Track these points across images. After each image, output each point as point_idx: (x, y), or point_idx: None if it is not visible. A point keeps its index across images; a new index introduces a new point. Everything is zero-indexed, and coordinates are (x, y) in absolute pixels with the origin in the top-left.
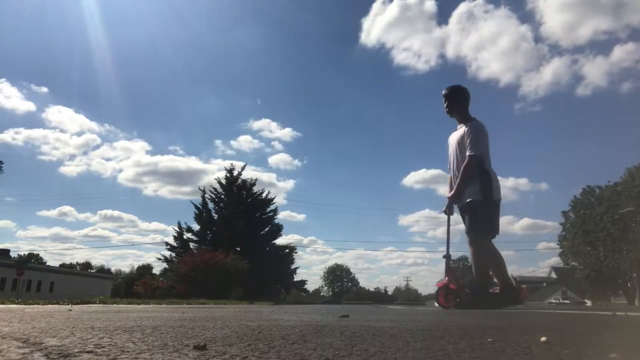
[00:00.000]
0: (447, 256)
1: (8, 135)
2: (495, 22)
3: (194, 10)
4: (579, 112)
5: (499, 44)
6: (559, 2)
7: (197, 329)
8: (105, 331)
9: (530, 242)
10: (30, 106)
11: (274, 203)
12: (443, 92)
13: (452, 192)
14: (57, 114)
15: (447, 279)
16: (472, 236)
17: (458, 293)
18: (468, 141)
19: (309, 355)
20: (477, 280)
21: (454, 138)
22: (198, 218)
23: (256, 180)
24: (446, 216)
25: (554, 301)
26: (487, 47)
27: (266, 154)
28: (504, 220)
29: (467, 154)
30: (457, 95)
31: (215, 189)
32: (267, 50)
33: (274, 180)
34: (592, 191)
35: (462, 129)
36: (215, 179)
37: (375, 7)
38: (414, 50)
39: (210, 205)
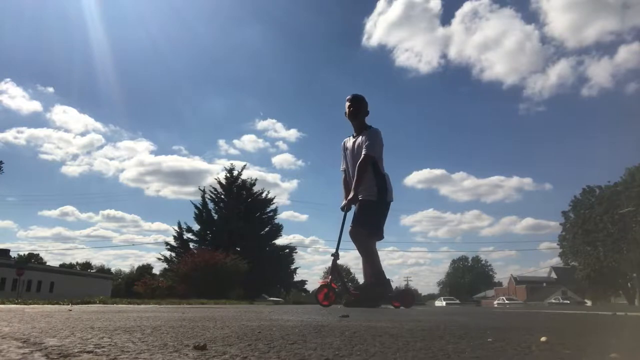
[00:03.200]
0: (335, 255)
1: (10, 135)
2: (499, 22)
3: (199, 11)
4: (583, 113)
5: (503, 44)
6: (563, 2)
7: (197, 329)
8: (105, 331)
9: (532, 242)
10: (35, 106)
11: (273, 203)
12: (349, 97)
13: (351, 193)
14: (62, 114)
15: (330, 277)
16: (362, 233)
17: (345, 293)
18: (366, 144)
19: (309, 355)
20: (373, 279)
21: (350, 143)
22: (198, 218)
23: (256, 180)
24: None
25: (554, 301)
26: (492, 47)
27: (270, 154)
28: (505, 221)
29: (364, 152)
30: (362, 102)
31: (215, 189)
32: (272, 51)
33: (278, 181)
34: (592, 191)
35: (360, 136)
36: (215, 179)
37: (380, 6)
38: (417, 50)
39: (210, 205)
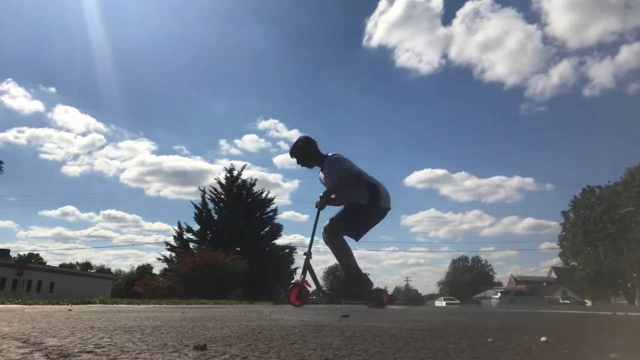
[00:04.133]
0: (307, 254)
1: (11, 134)
2: (501, 22)
3: (200, 11)
4: (585, 114)
5: (505, 44)
6: (565, 2)
7: (197, 329)
8: (105, 331)
9: (533, 242)
10: (37, 106)
11: (273, 203)
12: (289, 151)
13: (335, 197)
14: (64, 114)
15: (302, 277)
16: (335, 227)
17: (319, 293)
18: (336, 181)
19: (309, 355)
20: (351, 274)
21: (322, 176)
22: (198, 218)
23: (256, 180)
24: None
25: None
26: (493, 47)
27: (272, 154)
28: (506, 221)
29: (338, 176)
30: (300, 150)
31: (215, 189)
32: (273, 51)
33: (280, 181)
34: (592, 191)
35: (325, 168)
36: (215, 179)
37: (381, 5)
38: (418, 51)
39: (211, 205)
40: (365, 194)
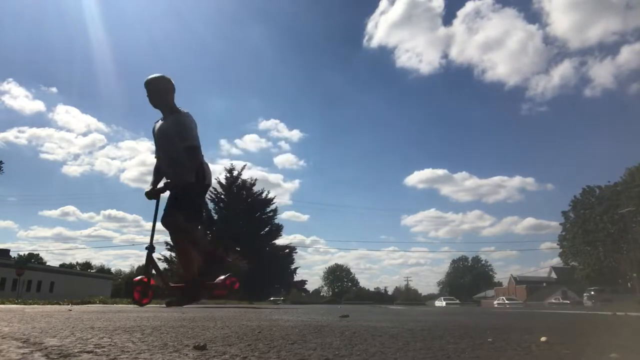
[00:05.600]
0: (149, 248)
1: (11, 134)
2: (501, 22)
3: (201, 12)
4: (586, 114)
5: (505, 44)
6: (566, 2)
7: (197, 329)
8: (105, 331)
9: (534, 242)
10: (39, 106)
11: (274, 203)
12: (145, 81)
13: (172, 181)
14: (65, 114)
15: (145, 273)
16: (180, 220)
17: (166, 290)
18: (185, 133)
19: (309, 355)
20: (190, 274)
21: (162, 127)
22: None
23: (256, 180)
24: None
25: (554, 301)
26: (494, 47)
27: (272, 154)
28: (507, 221)
29: (188, 144)
30: (160, 84)
31: (215, 189)
32: (275, 52)
33: (280, 181)
34: (592, 191)
35: (170, 119)
36: (215, 179)
37: (382, 5)
38: (418, 51)
39: (210, 205)
40: (193, 173)
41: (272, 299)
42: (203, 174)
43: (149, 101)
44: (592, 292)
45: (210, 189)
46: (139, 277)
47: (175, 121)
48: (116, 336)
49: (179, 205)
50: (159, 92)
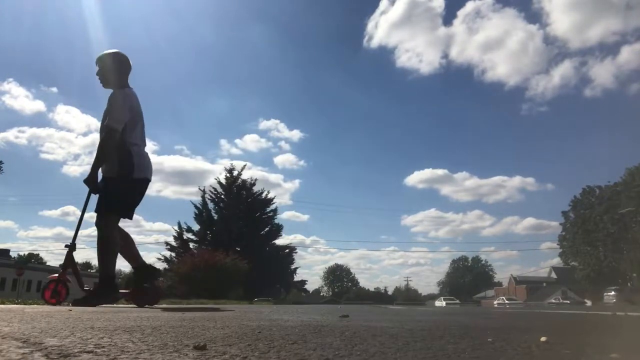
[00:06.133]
0: (70, 246)
1: (11, 134)
2: (502, 22)
3: (201, 11)
4: (586, 114)
5: (506, 44)
6: (566, 1)
7: (197, 329)
8: (105, 331)
9: (534, 242)
10: (39, 106)
11: (273, 203)
12: (98, 57)
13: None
14: (65, 114)
15: (63, 271)
16: (97, 217)
17: (80, 289)
18: (109, 115)
19: (309, 355)
20: (104, 272)
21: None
22: (198, 218)
23: (256, 180)
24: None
25: (554, 301)
26: (494, 47)
27: (272, 154)
28: (507, 221)
29: (106, 125)
30: (106, 61)
31: (215, 189)
32: (276, 52)
33: (281, 181)
34: (592, 191)
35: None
36: (216, 179)
37: (382, 5)
38: (419, 51)
39: (211, 205)
40: (115, 164)
41: (256, 299)
42: (129, 165)
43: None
44: (613, 292)
45: (210, 189)
46: (54, 276)
47: (109, 98)
48: (116, 336)
49: (98, 202)
50: (110, 70)
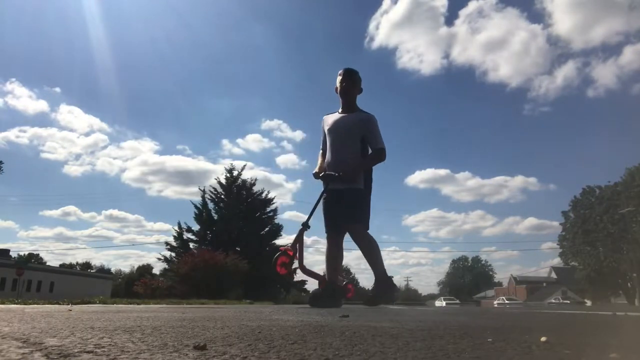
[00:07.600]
0: (304, 224)
1: (12, 134)
2: (504, 22)
3: (203, 12)
4: (589, 114)
5: (508, 45)
6: (568, 2)
7: (197, 329)
8: (105, 331)
9: (535, 242)
10: (42, 106)
11: (274, 203)
12: (342, 70)
13: (345, 173)
14: (67, 114)
15: (291, 245)
16: (359, 226)
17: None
18: (371, 133)
19: (309, 355)
20: (381, 273)
21: (333, 119)
22: (198, 218)
23: (256, 180)
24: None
25: (554, 301)
26: (496, 48)
27: (275, 154)
28: (509, 221)
29: (376, 147)
30: (356, 77)
31: (215, 189)
32: (277, 52)
33: (283, 182)
34: (592, 191)
35: (353, 115)
36: (216, 179)
37: (384, 5)
38: (420, 51)
39: (211, 205)
40: (362, 177)
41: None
42: (370, 181)
43: (337, 90)
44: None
45: (210, 189)
46: (284, 247)
47: (363, 120)
48: (116, 336)
49: (354, 212)
50: (354, 85)
